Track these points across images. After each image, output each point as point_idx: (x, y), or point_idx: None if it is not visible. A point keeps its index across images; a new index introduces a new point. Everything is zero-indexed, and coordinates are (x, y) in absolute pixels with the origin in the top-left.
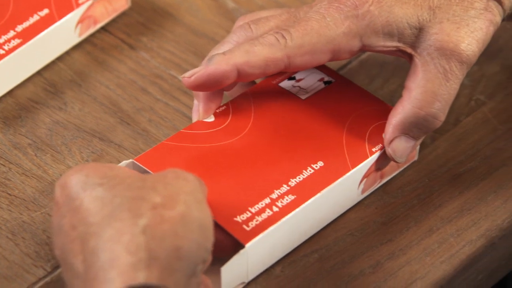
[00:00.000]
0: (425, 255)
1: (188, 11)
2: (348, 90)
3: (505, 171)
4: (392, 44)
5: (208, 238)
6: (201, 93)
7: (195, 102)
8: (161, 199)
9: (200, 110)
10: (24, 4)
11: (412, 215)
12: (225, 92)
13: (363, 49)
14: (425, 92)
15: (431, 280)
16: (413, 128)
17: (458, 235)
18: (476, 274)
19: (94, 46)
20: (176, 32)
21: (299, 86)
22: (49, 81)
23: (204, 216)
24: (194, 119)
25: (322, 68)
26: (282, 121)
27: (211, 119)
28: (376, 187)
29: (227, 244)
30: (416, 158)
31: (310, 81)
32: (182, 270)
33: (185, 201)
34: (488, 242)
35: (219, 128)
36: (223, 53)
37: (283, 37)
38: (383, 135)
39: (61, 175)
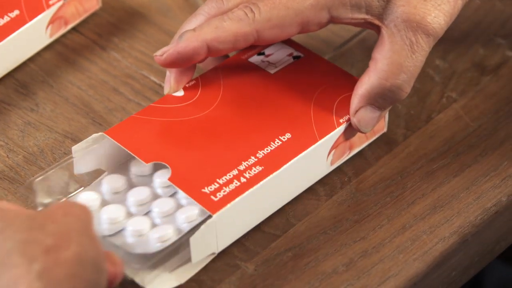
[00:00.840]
0: (398, 252)
1: (158, 11)
2: (317, 64)
3: (477, 168)
4: (360, 16)
5: (103, 275)
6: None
7: (167, 73)
8: (53, 241)
9: (171, 82)
10: None
11: (385, 212)
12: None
13: (332, 21)
14: (391, 63)
15: (404, 278)
16: (379, 98)
17: (431, 232)
18: (450, 271)
19: (65, 46)
20: (147, 32)
21: (268, 61)
22: (21, 82)
23: (97, 254)
24: (166, 91)
25: (291, 43)
26: (251, 95)
27: (181, 93)
28: (345, 159)
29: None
30: (385, 130)
31: (279, 55)
32: None
33: (78, 240)
34: (461, 239)
35: (189, 102)
36: (193, 30)
37: (252, 11)
38: (350, 106)
39: (33, 176)
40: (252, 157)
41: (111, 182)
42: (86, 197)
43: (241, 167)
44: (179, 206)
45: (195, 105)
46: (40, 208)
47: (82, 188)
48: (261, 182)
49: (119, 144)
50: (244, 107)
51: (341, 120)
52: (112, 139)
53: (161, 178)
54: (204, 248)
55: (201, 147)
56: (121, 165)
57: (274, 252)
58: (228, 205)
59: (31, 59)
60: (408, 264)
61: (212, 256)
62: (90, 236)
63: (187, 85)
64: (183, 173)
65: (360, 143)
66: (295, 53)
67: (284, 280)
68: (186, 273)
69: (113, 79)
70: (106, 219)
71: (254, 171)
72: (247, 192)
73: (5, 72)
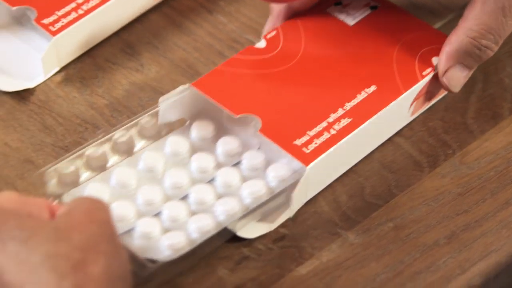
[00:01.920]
0: (501, 227)
1: None
2: (395, 14)
3: None
4: None
5: (129, 283)
6: (274, 8)
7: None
8: (81, 255)
9: (271, 26)
10: None
11: (489, 186)
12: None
13: None
14: (481, 24)
15: (506, 253)
16: (467, 57)
17: None
18: None
19: (172, 9)
20: None
21: (346, 12)
22: (127, 42)
23: (125, 265)
24: (264, 32)
25: None
26: (332, 47)
27: (263, 44)
28: (424, 109)
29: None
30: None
31: (356, 6)
32: None
33: (105, 252)
34: None
35: (272, 54)
36: None
37: None
38: (435, 63)
39: None
40: (340, 109)
41: (199, 129)
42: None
43: (330, 119)
44: (268, 163)
45: (278, 57)
46: (50, 199)
47: (95, 174)
48: (350, 134)
49: (205, 96)
50: (327, 59)
51: (424, 73)
52: (198, 91)
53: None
54: (297, 201)
55: (289, 99)
56: (185, 127)
57: (375, 222)
58: (320, 157)
59: (138, 20)
60: (511, 239)
61: (300, 206)
62: (116, 245)
63: (267, 37)
64: (273, 125)
65: (439, 94)
66: (372, 3)
67: (385, 250)
68: (273, 223)
69: (218, 42)
70: (196, 167)
71: (343, 123)
72: (337, 144)
73: (112, 32)
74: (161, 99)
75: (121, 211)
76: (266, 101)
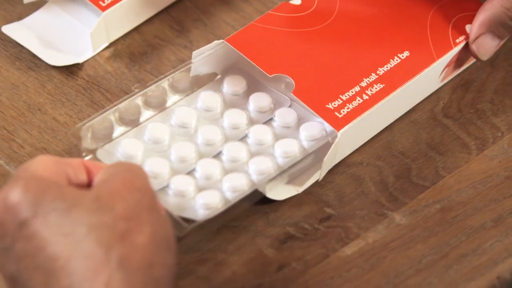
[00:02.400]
0: None
1: None
2: None
3: None
4: None
5: (174, 253)
6: None
7: None
8: (125, 225)
9: None
10: None
11: None
12: None
13: None
14: None
15: None
16: (500, 26)
17: None
18: None
19: None
20: None
21: None
22: (176, 19)
23: (168, 232)
24: None
25: None
26: (367, 10)
27: (298, 1)
28: (454, 75)
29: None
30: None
31: None
32: None
33: (149, 221)
34: None
35: (306, 12)
36: None
37: None
38: (469, 30)
39: None
40: (373, 74)
41: (231, 84)
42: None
43: (363, 84)
44: (300, 122)
45: (313, 16)
46: (84, 154)
47: (129, 130)
48: (382, 101)
49: (238, 52)
50: (361, 22)
51: (457, 40)
52: (232, 46)
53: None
54: (327, 164)
55: (322, 61)
56: (216, 81)
57: (422, 204)
58: (352, 123)
59: None
60: None
61: (329, 168)
62: (158, 212)
63: None
64: (306, 87)
65: (469, 60)
66: None
67: (431, 232)
68: (301, 186)
69: None
70: (229, 123)
71: (376, 88)
72: (369, 110)
73: (161, 8)
74: (194, 53)
75: (156, 168)
76: (299, 62)
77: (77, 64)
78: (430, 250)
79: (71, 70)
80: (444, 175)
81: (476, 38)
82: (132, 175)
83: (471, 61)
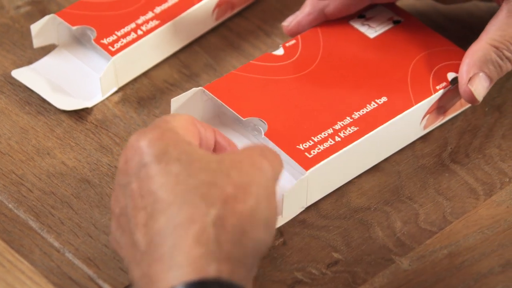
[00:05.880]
0: None
1: None
2: (417, 30)
3: None
4: None
5: (271, 235)
6: (306, 7)
7: (297, 12)
8: (233, 190)
9: (293, 20)
10: None
11: None
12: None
13: None
14: (505, 35)
15: None
16: (490, 65)
17: None
18: None
19: (230, 30)
20: None
21: (368, 24)
22: (185, 63)
23: (271, 213)
24: (284, 23)
25: (392, 7)
26: (349, 58)
27: (281, 52)
28: (439, 124)
29: None
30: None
31: (379, 19)
32: (245, 266)
33: (256, 195)
34: None
35: (288, 61)
36: None
37: None
38: (452, 78)
39: None
40: (348, 118)
41: None
42: None
43: (337, 127)
44: None
45: (294, 65)
46: None
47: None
48: (355, 142)
49: (216, 99)
50: (342, 69)
51: (437, 87)
52: (210, 93)
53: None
54: (295, 203)
55: (298, 105)
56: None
57: (430, 249)
58: (321, 163)
59: (196, 41)
60: None
61: (301, 210)
62: (269, 194)
63: (287, 44)
64: (278, 129)
65: (453, 110)
66: (395, 18)
67: (438, 278)
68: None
69: None
70: None
71: (349, 131)
72: (340, 151)
73: (171, 53)
74: (173, 100)
75: None
76: (275, 106)
77: (86, 108)
78: None
79: (80, 114)
80: (452, 220)
81: (470, 79)
82: (260, 157)
83: (459, 108)
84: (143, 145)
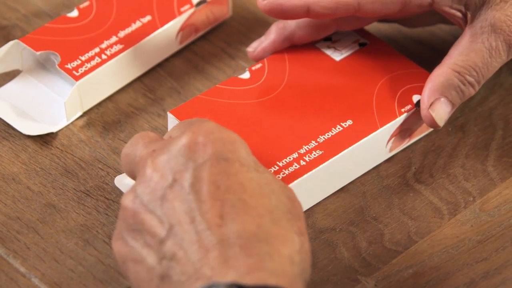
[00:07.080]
0: None
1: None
2: (383, 52)
3: None
4: (459, 7)
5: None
6: (272, 34)
7: (262, 37)
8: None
9: (259, 46)
10: (127, 10)
11: (509, 234)
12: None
13: (432, 6)
14: (467, 60)
15: None
16: (452, 91)
17: None
18: None
19: (194, 54)
20: None
21: (334, 47)
22: (149, 87)
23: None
24: (249, 48)
25: (358, 30)
26: (315, 81)
27: (247, 75)
28: (404, 147)
29: None
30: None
31: (346, 42)
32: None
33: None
34: None
35: (254, 85)
36: None
37: None
38: (417, 101)
39: None
40: (313, 141)
41: None
42: None
43: (302, 151)
44: None
45: (260, 89)
46: None
47: None
48: (320, 166)
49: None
50: (308, 93)
51: (402, 110)
52: (176, 118)
53: None
54: None
55: (263, 130)
56: None
57: (395, 269)
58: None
59: (160, 65)
60: None
61: None
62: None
63: (253, 68)
64: None
65: (419, 132)
66: (362, 40)
67: None
68: None
69: None
70: None
71: (314, 154)
72: (305, 175)
73: (135, 77)
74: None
75: None
76: (240, 131)
77: (51, 133)
78: None
79: (45, 139)
80: (417, 240)
81: (431, 104)
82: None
83: (424, 131)
84: (226, 141)
